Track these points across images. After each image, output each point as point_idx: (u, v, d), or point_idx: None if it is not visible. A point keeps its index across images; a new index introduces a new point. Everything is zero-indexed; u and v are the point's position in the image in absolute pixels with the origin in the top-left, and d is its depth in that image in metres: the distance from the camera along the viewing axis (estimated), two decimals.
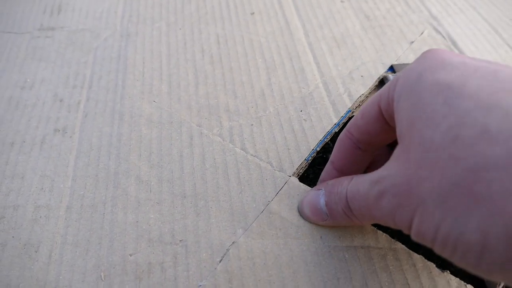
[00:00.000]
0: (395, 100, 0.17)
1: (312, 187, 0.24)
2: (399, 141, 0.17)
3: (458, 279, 0.21)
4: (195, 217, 0.24)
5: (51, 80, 0.32)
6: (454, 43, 0.32)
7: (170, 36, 0.35)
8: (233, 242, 0.22)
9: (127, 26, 0.36)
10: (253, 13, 0.36)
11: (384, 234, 0.23)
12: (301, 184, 0.25)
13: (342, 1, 0.37)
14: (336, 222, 0.21)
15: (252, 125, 0.28)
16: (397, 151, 0.17)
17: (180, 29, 0.35)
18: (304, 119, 0.28)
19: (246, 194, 0.24)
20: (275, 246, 0.22)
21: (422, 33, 0.33)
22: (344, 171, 0.23)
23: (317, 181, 0.25)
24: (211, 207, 0.24)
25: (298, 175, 0.26)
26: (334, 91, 0.30)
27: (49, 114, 0.29)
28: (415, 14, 0.35)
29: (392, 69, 0.30)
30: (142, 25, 0.36)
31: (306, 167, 0.26)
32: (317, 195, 0.22)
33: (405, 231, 0.16)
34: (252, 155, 0.26)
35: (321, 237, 0.23)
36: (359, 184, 0.19)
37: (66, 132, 0.28)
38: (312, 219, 0.23)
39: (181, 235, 0.23)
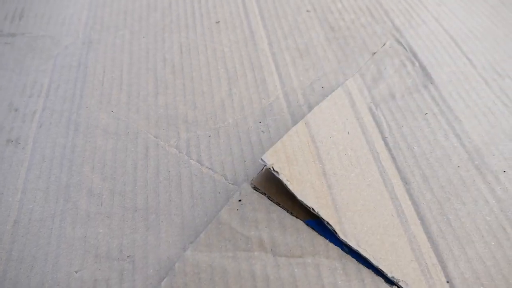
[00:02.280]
0: None
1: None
2: None
3: None
4: (144, 232, 0.23)
5: (7, 88, 0.31)
6: (414, 54, 0.33)
7: (133, 44, 0.34)
8: (179, 258, 0.22)
9: (90, 34, 0.35)
10: (219, 22, 0.36)
11: (336, 247, 0.23)
12: (254, 191, 0.24)
13: (308, 11, 0.37)
14: None
15: (209, 136, 0.28)
16: None
17: (143, 37, 0.35)
18: (262, 131, 0.28)
19: (198, 208, 0.24)
20: (223, 259, 0.22)
21: (384, 45, 0.34)
22: None
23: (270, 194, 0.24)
24: (162, 221, 0.24)
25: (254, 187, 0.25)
26: (294, 102, 0.30)
27: (2, 124, 0.29)
28: (378, 25, 0.35)
29: None
30: (106, 33, 0.35)
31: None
32: None
33: None
34: (207, 167, 0.26)
35: (271, 249, 0.23)
36: None
37: (19, 143, 0.27)
38: None
39: (129, 251, 0.23)
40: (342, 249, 0.23)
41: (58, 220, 0.24)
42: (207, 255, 0.22)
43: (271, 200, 0.24)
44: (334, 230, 0.23)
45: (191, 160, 0.26)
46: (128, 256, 0.22)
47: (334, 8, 0.37)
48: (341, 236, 0.23)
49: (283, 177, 0.23)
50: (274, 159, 0.22)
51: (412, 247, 0.23)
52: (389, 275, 0.22)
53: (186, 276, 0.21)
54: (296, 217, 0.23)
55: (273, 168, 0.23)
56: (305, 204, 0.23)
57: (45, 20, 0.36)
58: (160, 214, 0.24)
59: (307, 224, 0.23)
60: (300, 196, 0.23)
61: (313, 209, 0.23)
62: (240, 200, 0.24)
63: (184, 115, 0.29)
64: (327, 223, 0.23)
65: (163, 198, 0.25)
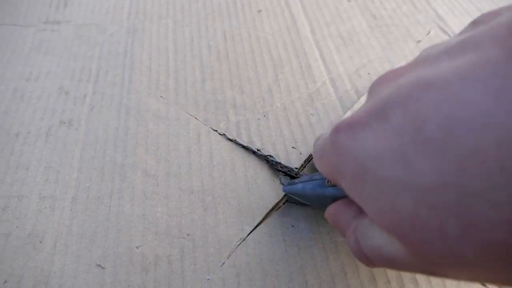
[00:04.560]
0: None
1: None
2: None
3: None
4: (202, 212, 0.23)
5: (56, 73, 0.31)
6: None
7: (177, 32, 0.34)
8: (241, 239, 0.22)
9: (134, 22, 0.35)
10: (260, 10, 0.36)
11: None
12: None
13: (349, 0, 0.37)
14: None
15: (259, 119, 0.28)
16: None
17: (187, 26, 0.35)
18: (311, 114, 0.28)
19: (254, 193, 0.24)
20: (282, 242, 0.22)
21: (428, 33, 0.33)
22: None
23: None
24: (219, 203, 0.24)
25: (304, 167, 0.25)
26: (341, 87, 0.30)
27: (54, 106, 0.29)
28: (421, 14, 0.35)
29: None
30: (149, 22, 0.36)
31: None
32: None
33: None
34: (258, 149, 0.26)
35: (328, 232, 0.23)
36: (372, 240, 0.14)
37: (72, 125, 0.28)
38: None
39: (188, 229, 0.23)
40: None
41: (116, 198, 0.24)
42: (268, 240, 0.22)
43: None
44: None
45: (244, 147, 0.26)
46: (188, 235, 0.22)
47: None
48: None
49: None
50: None
51: None
52: None
53: (248, 256, 0.21)
54: None
55: None
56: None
57: (89, 8, 0.37)
58: (217, 196, 0.24)
59: None
60: None
61: None
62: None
63: (232, 100, 0.29)
64: None
65: (218, 182, 0.25)
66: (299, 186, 0.21)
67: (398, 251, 0.12)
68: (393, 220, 0.11)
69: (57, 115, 0.28)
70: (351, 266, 0.21)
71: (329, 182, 0.19)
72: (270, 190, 0.24)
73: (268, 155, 0.26)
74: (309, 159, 0.25)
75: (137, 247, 0.22)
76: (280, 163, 0.25)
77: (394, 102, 0.12)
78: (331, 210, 0.18)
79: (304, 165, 0.25)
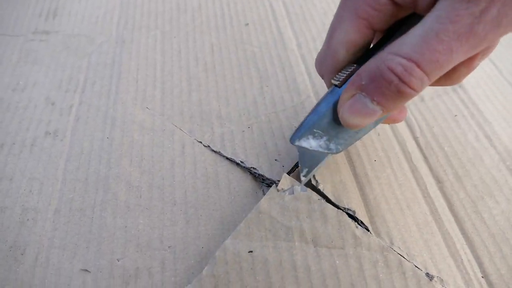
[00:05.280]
0: None
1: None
2: None
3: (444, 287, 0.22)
4: (184, 224, 0.24)
5: (44, 83, 0.32)
6: None
7: (165, 44, 0.35)
8: (221, 249, 0.22)
9: (123, 33, 0.36)
10: (248, 24, 0.37)
11: (378, 238, 0.23)
12: (295, 181, 0.24)
13: None
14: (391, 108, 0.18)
15: (243, 131, 0.28)
16: None
17: (175, 37, 0.35)
18: (295, 127, 0.28)
19: (236, 205, 0.25)
20: (264, 248, 0.22)
21: None
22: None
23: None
24: (201, 215, 0.24)
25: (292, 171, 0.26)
26: None
27: (40, 117, 0.29)
28: None
29: None
30: (138, 33, 0.36)
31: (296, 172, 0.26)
32: (360, 99, 0.18)
33: None
34: (241, 161, 0.26)
35: (312, 240, 0.23)
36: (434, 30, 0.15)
37: (57, 135, 0.28)
38: (364, 123, 0.19)
39: (169, 242, 0.23)
40: None
41: (99, 210, 0.24)
42: (247, 244, 0.22)
43: (313, 190, 0.24)
44: (367, 229, 0.23)
45: (228, 159, 0.27)
46: (169, 247, 0.23)
47: None
48: (374, 234, 0.23)
49: (315, 181, 0.24)
50: None
51: (447, 243, 0.23)
52: (424, 271, 0.22)
53: (227, 265, 0.22)
54: (338, 208, 0.23)
55: (314, 176, 0.24)
56: (340, 206, 0.24)
57: (78, 19, 0.37)
58: (199, 208, 0.24)
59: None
60: (334, 199, 0.24)
61: (348, 209, 0.23)
62: (279, 190, 0.24)
63: (217, 111, 0.30)
64: (361, 222, 0.23)
65: (202, 194, 0.25)
66: (311, 119, 0.20)
67: None
68: None
69: (43, 126, 0.29)
70: (333, 278, 0.22)
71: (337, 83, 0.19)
72: (253, 202, 0.25)
73: (251, 167, 0.26)
74: (292, 170, 0.26)
75: (118, 260, 0.22)
76: (263, 175, 0.26)
77: None
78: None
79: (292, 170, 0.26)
